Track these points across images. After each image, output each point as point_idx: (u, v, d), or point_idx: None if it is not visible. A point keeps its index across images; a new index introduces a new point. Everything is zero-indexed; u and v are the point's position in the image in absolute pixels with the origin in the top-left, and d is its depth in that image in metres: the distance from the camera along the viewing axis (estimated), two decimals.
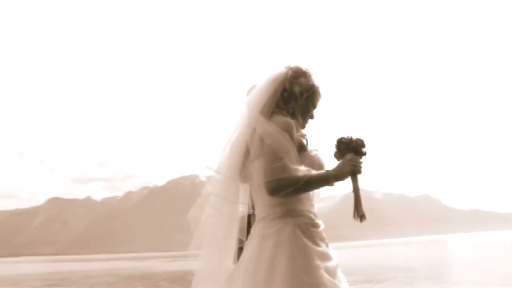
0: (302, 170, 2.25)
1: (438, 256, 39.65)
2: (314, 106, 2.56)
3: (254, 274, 2.26)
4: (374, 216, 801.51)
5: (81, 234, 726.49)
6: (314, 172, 2.28)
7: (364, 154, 2.39)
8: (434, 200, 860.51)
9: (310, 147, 2.50)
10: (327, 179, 2.28)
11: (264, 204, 2.38)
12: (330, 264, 2.33)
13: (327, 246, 2.42)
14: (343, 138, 2.41)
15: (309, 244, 2.29)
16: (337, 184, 2.34)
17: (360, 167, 2.34)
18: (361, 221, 2.36)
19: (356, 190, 2.37)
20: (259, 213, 2.41)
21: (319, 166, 2.43)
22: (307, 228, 2.34)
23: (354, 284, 19.35)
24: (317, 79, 2.56)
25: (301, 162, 2.33)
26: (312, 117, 2.57)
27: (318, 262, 2.26)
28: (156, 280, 27.76)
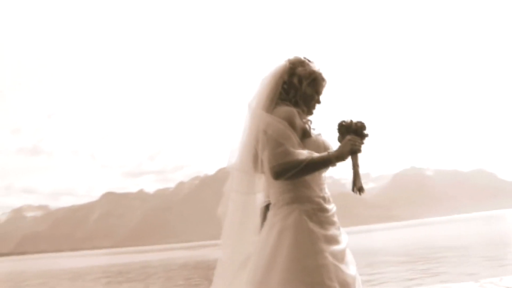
0: (304, 153, 2.36)
1: (494, 233, 38.31)
2: (317, 92, 2.63)
3: (259, 258, 2.40)
4: (427, 193, 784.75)
5: (136, 227, 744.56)
6: (316, 154, 2.38)
7: (366, 136, 2.46)
8: (489, 174, 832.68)
9: (315, 132, 2.59)
10: (328, 160, 2.37)
11: (274, 192, 2.49)
12: (337, 248, 2.41)
13: (338, 229, 2.50)
14: (343, 121, 2.49)
15: (315, 229, 2.38)
16: (339, 164, 2.42)
17: (360, 146, 2.41)
18: (360, 193, 2.44)
19: (355, 166, 2.44)
20: (271, 200, 2.52)
21: (325, 149, 2.51)
22: (314, 214, 2.42)
23: (402, 264, 19.16)
24: (318, 66, 2.63)
25: (306, 147, 2.44)
26: (318, 102, 2.65)
27: (323, 246, 2.35)
28: (211, 267, 28.29)
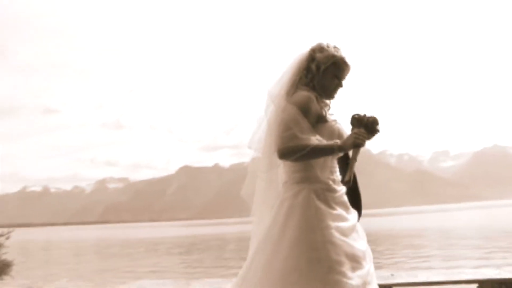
0: (310, 139, 2.48)
1: None
2: (337, 77, 2.69)
3: (268, 233, 2.54)
4: (511, 173, 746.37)
5: (211, 200, 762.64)
6: (324, 142, 2.52)
7: (377, 131, 2.53)
8: None
9: (332, 117, 2.70)
10: (331, 149, 2.49)
11: (287, 170, 2.63)
12: (343, 224, 2.52)
13: (347, 209, 2.62)
14: (356, 114, 2.55)
15: (322, 206, 2.50)
16: (341, 154, 2.58)
17: (363, 140, 2.47)
18: (345, 184, 2.60)
19: (352, 160, 2.57)
20: (284, 178, 2.67)
21: (339, 135, 2.63)
22: (322, 193, 2.54)
23: (475, 247, 18.42)
24: (341, 51, 2.70)
25: (321, 132, 2.58)
26: (340, 86, 2.72)
27: (330, 223, 2.47)
28: None
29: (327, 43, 2.71)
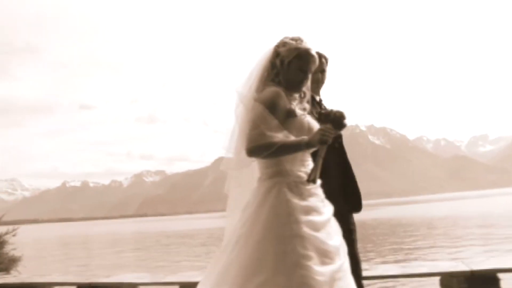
0: (278, 137, 2.48)
1: None
2: (302, 70, 2.66)
3: (241, 229, 2.52)
4: None
5: None
6: (291, 138, 2.52)
7: (344, 126, 2.53)
8: None
9: (301, 112, 2.67)
10: (299, 145, 2.48)
11: (260, 167, 2.64)
12: (316, 218, 2.49)
13: (321, 202, 2.60)
14: (324, 110, 2.57)
15: (294, 199, 2.48)
16: (309, 150, 2.56)
17: (328, 137, 2.45)
18: (309, 183, 2.54)
19: (318, 158, 2.53)
20: (258, 174, 2.67)
21: (309, 129, 2.61)
22: (295, 186, 2.53)
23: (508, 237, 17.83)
24: (303, 43, 2.66)
25: (291, 127, 2.58)
26: (305, 79, 2.70)
27: (300, 217, 2.44)
28: None
29: (291, 37, 2.69)
